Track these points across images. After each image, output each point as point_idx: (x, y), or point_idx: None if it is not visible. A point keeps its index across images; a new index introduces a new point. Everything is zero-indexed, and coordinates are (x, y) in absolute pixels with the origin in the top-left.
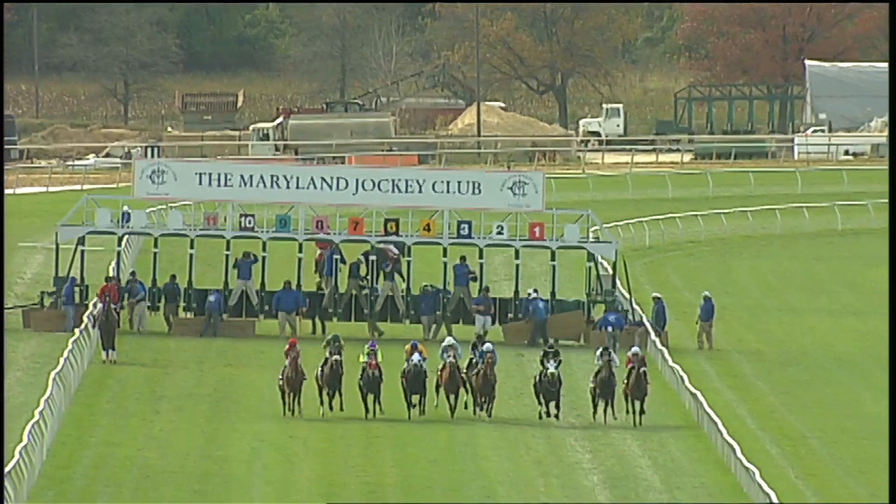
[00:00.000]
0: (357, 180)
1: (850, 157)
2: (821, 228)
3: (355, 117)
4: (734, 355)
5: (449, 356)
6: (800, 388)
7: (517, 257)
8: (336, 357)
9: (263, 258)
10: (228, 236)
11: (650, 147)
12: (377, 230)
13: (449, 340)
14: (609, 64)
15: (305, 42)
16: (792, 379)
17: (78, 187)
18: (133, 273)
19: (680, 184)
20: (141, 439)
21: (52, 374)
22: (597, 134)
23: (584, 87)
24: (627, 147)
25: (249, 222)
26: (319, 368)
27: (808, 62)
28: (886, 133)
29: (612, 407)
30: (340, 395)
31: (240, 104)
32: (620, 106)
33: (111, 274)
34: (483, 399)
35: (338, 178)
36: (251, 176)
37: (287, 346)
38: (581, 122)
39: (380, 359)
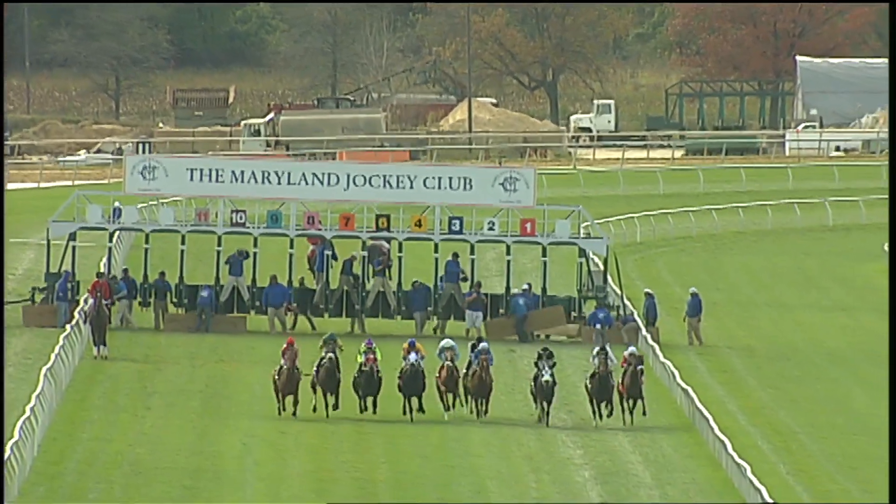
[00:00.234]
0: (348, 176)
1: (841, 153)
2: (812, 224)
3: (346, 113)
4: (725, 351)
5: (447, 357)
6: (790, 383)
7: (508, 253)
8: (331, 356)
9: (255, 254)
10: (220, 232)
11: (641, 143)
12: (368, 226)
13: (447, 342)
14: (600, 60)
15: (297, 38)
16: (783, 374)
17: (69, 183)
18: (125, 270)
19: (671, 180)
20: (132, 435)
21: (44, 369)
22: (588, 130)
23: (576, 83)
24: (618, 143)
25: (241, 218)
26: (315, 368)
27: (798, 58)
28: (877, 129)
29: (611, 408)
30: (336, 395)
31: (231, 100)
32: (612, 102)
33: (102, 270)
34: (478, 401)
35: (329, 174)
36: (242, 172)
37: (284, 346)
38: (572, 118)
39: (378, 357)
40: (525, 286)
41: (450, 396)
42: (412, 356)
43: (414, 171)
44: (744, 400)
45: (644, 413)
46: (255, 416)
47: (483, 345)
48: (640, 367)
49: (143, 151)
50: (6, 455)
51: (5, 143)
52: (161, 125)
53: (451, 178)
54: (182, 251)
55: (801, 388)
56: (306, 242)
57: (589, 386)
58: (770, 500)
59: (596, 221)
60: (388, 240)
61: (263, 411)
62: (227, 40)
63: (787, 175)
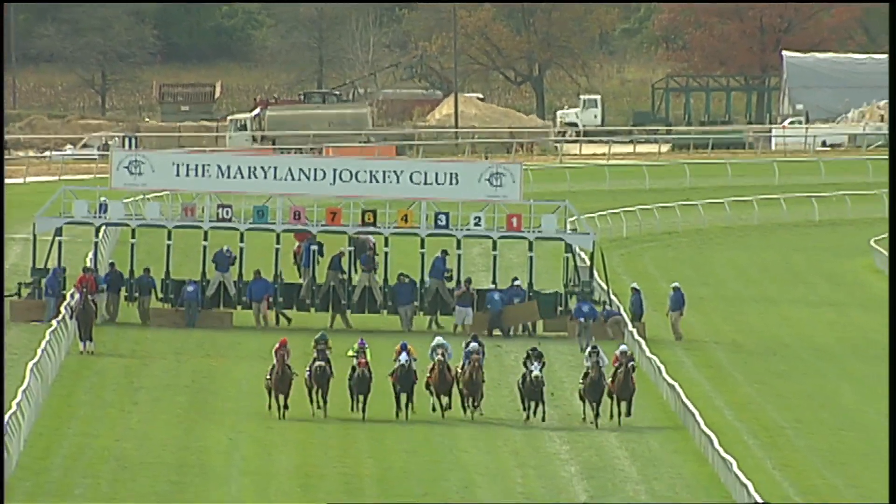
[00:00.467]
0: (335, 171)
1: (828, 148)
2: (798, 219)
3: (333, 108)
4: (712, 346)
5: (438, 355)
6: (777, 378)
7: (494, 248)
8: (323, 355)
9: (241, 249)
10: (206, 227)
11: (628, 138)
12: (355, 221)
13: (438, 340)
14: (586, 55)
15: (283, 33)
16: (769, 370)
17: (55, 178)
18: (112, 264)
19: (657, 175)
20: (118, 430)
21: (30, 364)
22: (574, 125)
23: (562, 78)
24: (605, 138)
25: (227, 213)
26: (308, 368)
27: (785, 53)
28: (863, 124)
29: (600, 409)
30: (325, 395)
31: (217, 95)
32: (598, 97)
33: (89, 265)
34: (470, 399)
35: (315, 169)
36: (229, 167)
37: (277, 345)
38: (558, 112)
39: (369, 357)
40: (517, 282)
41: (443, 398)
42: (402, 356)
43: (400, 166)
44: (730, 395)
45: (629, 413)
46: (242, 411)
47: (473, 344)
48: (631, 364)
49: (130, 146)
50: None
51: None
52: (147, 120)
53: (437, 174)
54: (168, 246)
55: (788, 383)
56: (293, 238)
57: (581, 386)
58: (756, 496)
59: (582, 216)
60: (374, 234)
61: (250, 407)
62: (213, 35)
63: (773, 170)
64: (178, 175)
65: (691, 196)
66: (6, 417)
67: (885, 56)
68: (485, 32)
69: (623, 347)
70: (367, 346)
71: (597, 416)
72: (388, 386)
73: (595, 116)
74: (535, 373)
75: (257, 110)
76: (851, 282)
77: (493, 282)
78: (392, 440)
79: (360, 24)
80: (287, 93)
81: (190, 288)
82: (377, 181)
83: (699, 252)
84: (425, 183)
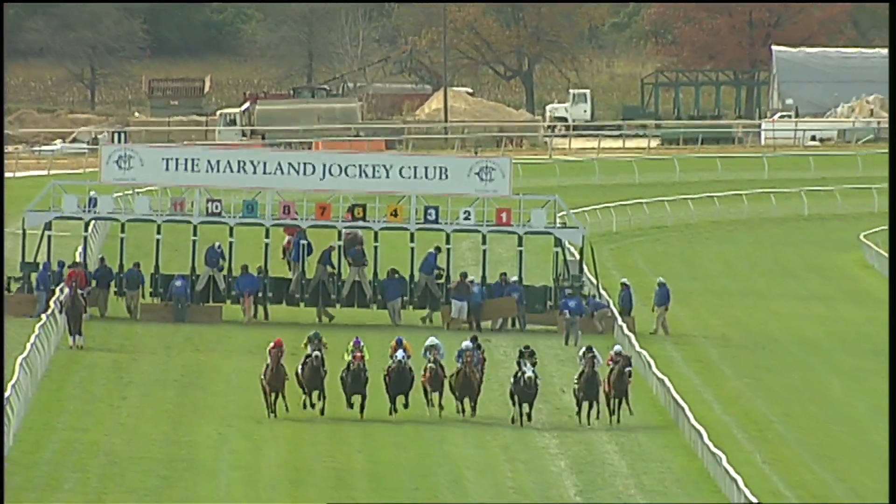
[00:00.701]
0: (324, 166)
1: (817, 143)
2: (787, 214)
3: (322, 103)
4: (701, 340)
5: (430, 357)
6: (766, 372)
7: (484, 243)
8: (317, 354)
9: (230, 243)
10: (195, 221)
11: (617, 132)
12: (344, 216)
13: (431, 340)
14: (576, 49)
15: (272, 27)
16: (758, 364)
17: (44, 173)
18: (102, 259)
19: (647, 169)
20: (108, 425)
21: (19, 359)
22: (564, 119)
23: (551, 73)
24: (594, 132)
25: (216, 207)
26: (300, 366)
27: (774, 47)
28: (853, 118)
29: (598, 408)
30: (323, 394)
31: (207, 89)
32: (587, 91)
33: (78, 259)
34: (466, 400)
35: (305, 164)
36: (218, 161)
37: (272, 345)
38: (548, 107)
39: (366, 356)
40: (514, 278)
41: (435, 396)
42: (399, 353)
43: (390, 161)
44: (719, 389)
45: (630, 412)
46: (231, 406)
47: (466, 343)
48: (628, 370)
49: (119, 141)
50: None
51: None
52: (137, 114)
53: (426, 168)
54: (158, 241)
55: (777, 377)
56: (282, 232)
57: (576, 386)
58: (746, 490)
59: (572, 211)
60: (363, 229)
61: (239, 401)
62: (202, 30)
63: (762, 164)
64: (167, 169)
65: (681, 191)
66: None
67: (875, 50)
68: (474, 27)
69: (618, 347)
70: (362, 344)
71: (592, 415)
72: (382, 383)
73: (584, 111)
74: (528, 374)
75: (247, 105)
76: (841, 276)
77: (483, 276)
78: (382, 435)
79: (349, 18)
80: (276, 87)
81: (178, 283)
82: (366, 176)
83: (688, 246)
84: (415, 177)
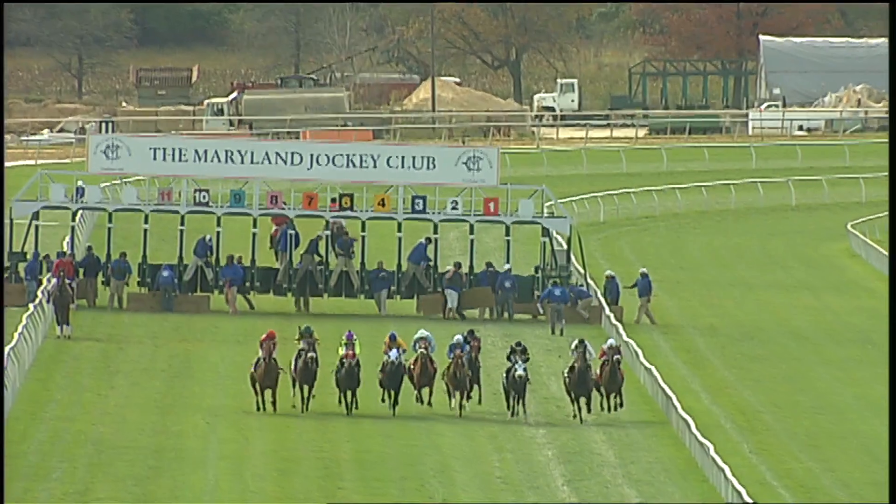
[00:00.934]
0: (311, 155)
1: (805, 133)
2: (775, 204)
3: (310, 92)
4: (689, 330)
5: (420, 347)
6: (754, 362)
7: (472, 232)
8: (311, 354)
9: (218, 233)
10: (183, 211)
11: (605, 122)
12: (329, 205)
13: (421, 332)
14: (563, 39)
15: (260, 17)
16: (746, 354)
17: (32, 162)
18: (89, 248)
19: (634, 159)
20: (95, 414)
21: (7, 349)
22: (551, 109)
23: (539, 62)
24: (582, 122)
25: (204, 197)
26: (293, 361)
27: (762, 37)
28: (840, 108)
29: (589, 402)
30: (311, 389)
31: (194, 79)
32: (575, 81)
33: (65, 249)
34: (458, 394)
35: (292, 154)
36: (205, 151)
37: (263, 337)
38: (535, 97)
39: (358, 350)
40: (508, 266)
41: (425, 391)
42: (393, 353)
43: (377, 151)
44: (707, 379)
45: (621, 404)
46: (219, 395)
47: (458, 337)
48: (617, 358)
49: (107, 131)
50: None
51: None
52: (124, 104)
53: (414, 158)
54: (145, 230)
55: (765, 367)
56: (270, 222)
57: (567, 380)
58: (733, 479)
59: (559, 201)
60: (351, 219)
61: (226, 390)
62: (189, 19)
63: (750, 154)
64: (154, 159)
65: (668, 180)
66: None
67: (862, 40)
68: (462, 16)
69: (611, 341)
70: (355, 338)
71: (586, 409)
72: (375, 378)
73: (572, 101)
74: (520, 372)
75: (234, 94)
76: (828, 266)
77: (470, 265)
78: (369, 425)
79: (336, 8)
80: (264, 77)
81: (165, 273)
82: (354, 165)
83: (676, 236)
84: (402, 167)
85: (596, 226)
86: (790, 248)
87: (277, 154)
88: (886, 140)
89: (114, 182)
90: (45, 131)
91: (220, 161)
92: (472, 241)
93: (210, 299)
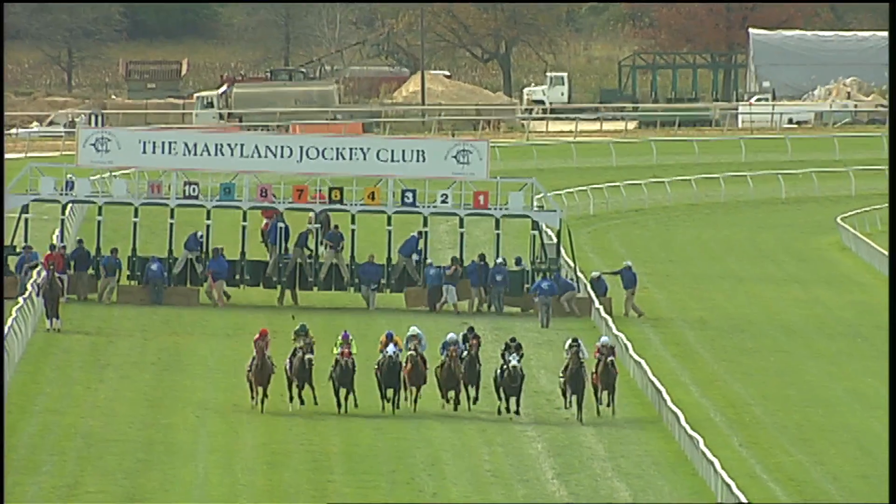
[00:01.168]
0: (301, 148)
1: (794, 126)
2: (765, 197)
3: (299, 86)
4: (678, 323)
5: (411, 347)
6: (743, 355)
7: (461, 226)
8: (309, 357)
9: (208, 226)
10: (172, 204)
11: (594, 115)
12: (313, 195)
13: (413, 330)
14: (553, 32)
15: (249, 10)
16: (735, 347)
17: (22, 155)
18: (80, 241)
19: (624, 152)
20: (85, 407)
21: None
22: (541, 102)
23: (529, 56)
24: (571, 115)
25: (194, 190)
26: (288, 360)
27: (751, 30)
28: (830, 101)
29: (581, 400)
30: (312, 388)
31: (184, 72)
32: (565, 74)
33: (55, 242)
34: (451, 394)
35: (282, 147)
36: (195, 144)
37: (256, 336)
38: (525, 90)
39: (354, 350)
40: (500, 259)
41: (413, 390)
42: (390, 348)
43: (367, 144)
44: (697, 372)
45: (613, 413)
46: (208, 388)
47: (451, 335)
48: (610, 359)
49: (96, 124)
50: None
51: None
52: (114, 97)
53: (404, 151)
54: (135, 223)
55: (755, 360)
56: (260, 215)
57: (561, 380)
58: (723, 473)
59: (549, 194)
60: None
61: (216, 384)
62: (179, 12)
63: (739, 147)
64: (144, 152)
65: (658, 173)
66: None
67: (852, 33)
68: (451, 10)
69: (604, 339)
70: (351, 337)
71: (580, 409)
72: (371, 378)
73: (562, 94)
74: (513, 363)
75: (224, 87)
76: (818, 259)
77: (461, 259)
78: (358, 419)
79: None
80: (254, 70)
81: (154, 266)
82: (344, 158)
83: (666, 229)
84: (392, 160)
85: (585, 219)
86: (780, 242)
87: (267, 147)
88: (876, 133)
89: (103, 175)
90: (35, 124)
91: (209, 154)
92: (461, 234)
93: (199, 292)
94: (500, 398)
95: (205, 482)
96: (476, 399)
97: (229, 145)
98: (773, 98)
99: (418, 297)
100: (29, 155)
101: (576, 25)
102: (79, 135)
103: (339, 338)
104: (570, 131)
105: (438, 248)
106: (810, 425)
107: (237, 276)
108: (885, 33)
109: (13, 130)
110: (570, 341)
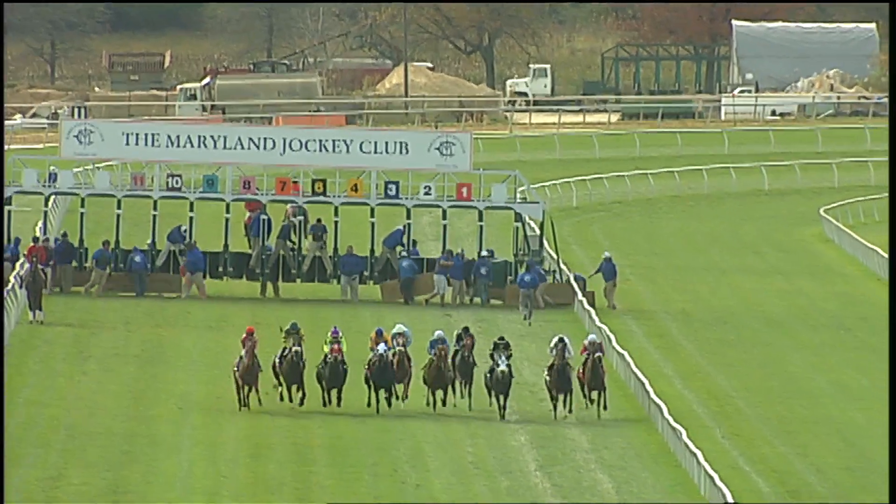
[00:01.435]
0: (284, 140)
1: (777, 118)
2: (748, 189)
3: (282, 77)
4: (661, 315)
5: (398, 344)
6: (726, 347)
7: (444, 217)
8: (295, 347)
9: (191, 218)
10: (155, 196)
11: (577, 107)
12: (305, 191)
13: (399, 328)
14: (536, 24)
15: (232, 2)
16: (719, 338)
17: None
18: (64, 234)
19: (607, 144)
20: (69, 400)
21: None
22: (524, 94)
23: (512, 48)
24: (554, 107)
25: (177, 182)
26: (277, 358)
27: (734, 22)
28: (812, 93)
29: (567, 400)
30: (302, 388)
31: (167, 64)
32: (548, 66)
33: (38, 234)
34: (438, 392)
35: (265, 139)
36: (178, 136)
37: (244, 335)
38: (508, 82)
39: (344, 348)
40: (485, 252)
41: (399, 387)
42: (381, 346)
43: (350, 136)
44: (680, 364)
45: (604, 405)
46: (192, 381)
47: (438, 333)
48: (598, 355)
49: (79, 116)
50: None
51: None
52: (97, 89)
53: (387, 143)
54: (118, 215)
55: (737, 352)
56: (243, 208)
57: (547, 378)
58: (706, 464)
59: (532, 186)
60: (324, 204)
61: (199, 376)
62: (162, 4)
63: (722, 139)
64: (127, 144)
65: (641, 165)
66: None
67: (835, 25)
68: (434, 2)
69: (592, 337)
70: (341, 334)
71: (564, 407)
72: (358, 373)
73: (545, 86)
74: (502, 367)
75: (207, 79)
76: (800, 251)
77: (443, 250)
78: (342, 410)
79: None
80: (237, 62)
81: (137, 258)
82: (327, 150)
83: (649, 221)
84: (375, 152)
85: (569, 211)
86: (763, 233)
87: (250, 139)
88: (859, 125)
89: (86, 167)
90: (18, 116)
91: (192, 146)
92: (444, 226)
93: (182, 280)
94: (491, 402)
95: (188, 474)
96: (470, 404)
97: (212, 137)
98: (757, 90)
99: (395, 290)
100: (11, 147)
101: (559, 17)
102: (62, 127)
103: (329, 334)
104: (553, 123)
105: (422, 241)
106: (793, 417)
107: (220, 269)
108: (868, 25)
109: None
110: (555, 339)
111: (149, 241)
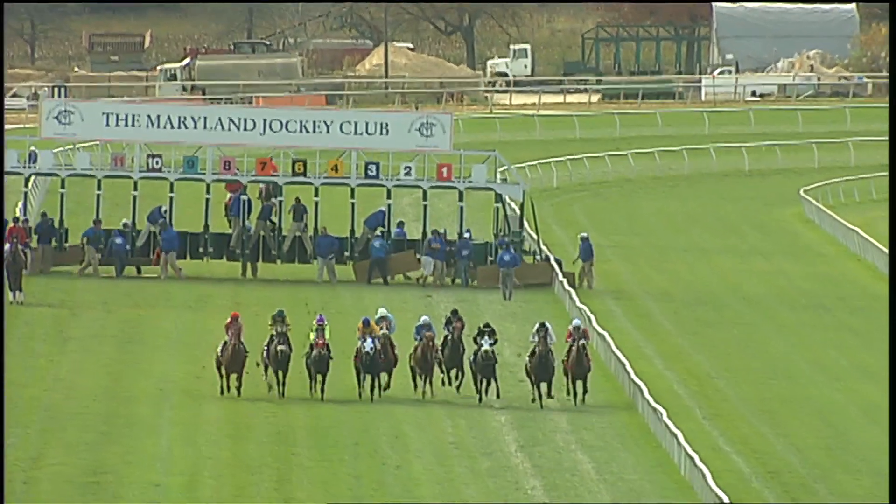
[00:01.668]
0: (265, 121)
1: (758, 98)
2: (728, 169)
3: (263, 58)
4: (642, 295)
5: (382, 328)
6: (707, 328)
7: (425, 198)
8: (282, 348)
9: (171, 199)
10: (136, 177)
11: (558, 88)
12: (285, 171)
13: (381, 312)
14: (516, 4)
15: None
16: (699, 319)
17: None
18: (44, 214)
19: (587, 125)
20: (48, 380)
21: None
22: (504, 75)
23: (492, 28)
24: (535, 88)
25: (157, 163)
26: (265, 347)
27: (714, 3)
28: (792, 74)
29: (550, 387)
30: (283, 378)
31: (147, 45)
32: (528, 46)
33: (18, 215)
34: (424, 378)
35: (245, 119)
36: (158, 116)
37: (228, 320)
38: (489, 62)
39: (328, 336)
40: (466, 232)
41: (384, 375)
42: (368, 342)
43: (330, 117)
44: (660, 344)
45: (585, 390)
46: (171, 361)
47: (424, 318)
48: (583, 343)
49: (59, 96)
50: None
51: None
52: (77, 70)
53: (367, 123)
54: (98, 196)
55: (718, 332)
56: (224, 189)
57: (528, 365)
58: (686, 445)
59: (512, 166)
60: (304, 185)
61: (179, 357)
62: None
63: (703, 120)
64: (107, 125)
65: (621, 146)
66: None
67: (814, 6)
68: None
69: (576, 322)
70: (325, 323)
71: (548, 395)
72: (342, 358)
73: (525, 66)
74: (486, 346)
75: (187, 60)
76: (781, 231)
77: (424, 231)
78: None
79: None
80: (217, 42)
81: (118, 240)
82: (307, 131)
83: (629, 202)
84: (355, 133)
85: (549, 191)
86: (743, 214)
87: (230, 120)
88: (839, 106)
89: (67, 147)
90: None
91: (173, 127)
92: (425, 206)
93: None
94: (477, 384)
95: (168, 454)
96: (459, 385)
97: (192, 118)
98: (737, 71)
99: (358, 269)
100: None
101: None
102: (42, 107)
103: (315, 322)
104: (534, 104)
105: (402, 222)
106: (773, 397)
107: (200, 249)
108: (848, 6)
109: None
110: (537, 326)
111: (124, 221)
